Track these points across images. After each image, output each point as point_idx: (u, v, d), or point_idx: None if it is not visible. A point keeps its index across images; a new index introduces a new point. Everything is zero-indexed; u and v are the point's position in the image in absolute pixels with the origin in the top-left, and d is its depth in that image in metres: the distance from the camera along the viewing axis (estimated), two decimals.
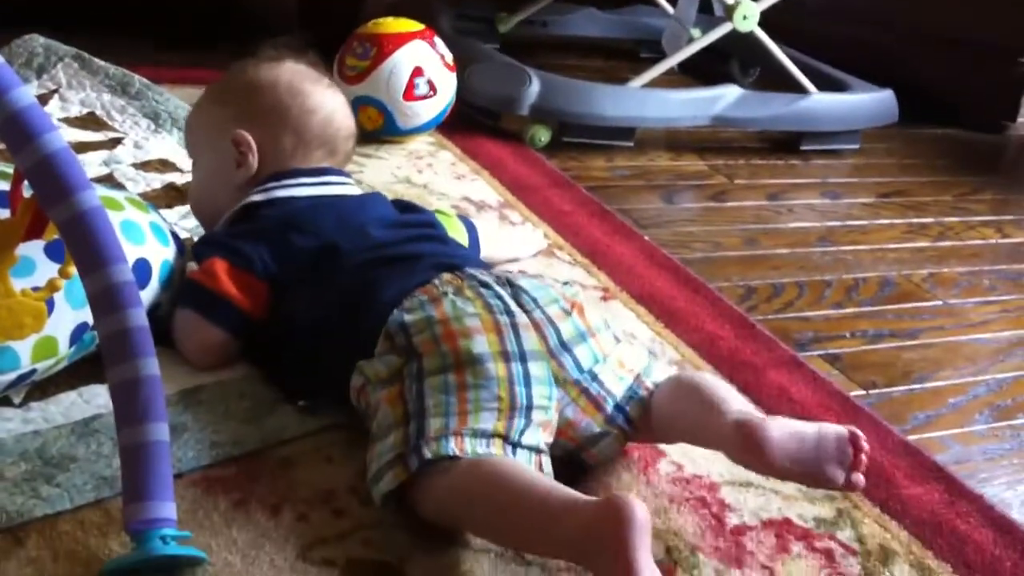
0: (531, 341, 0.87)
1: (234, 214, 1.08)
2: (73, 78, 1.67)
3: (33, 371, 0.89)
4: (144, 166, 1.44)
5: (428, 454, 0.79)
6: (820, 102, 2.01)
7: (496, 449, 0.81)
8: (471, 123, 1.85)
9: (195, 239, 1.15)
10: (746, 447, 0.79)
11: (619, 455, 0.93)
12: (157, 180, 1.40)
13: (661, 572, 0.70)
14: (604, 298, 1.28)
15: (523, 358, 0.86)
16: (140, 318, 0.77)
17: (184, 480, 0.84)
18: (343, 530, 0.82)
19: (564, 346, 0.89)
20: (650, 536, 0.70)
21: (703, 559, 0.84)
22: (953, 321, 1.39)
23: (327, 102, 1.16)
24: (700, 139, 2.02)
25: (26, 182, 0.80)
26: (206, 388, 0.96)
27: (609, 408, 0.89)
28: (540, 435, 0.84)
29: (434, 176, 1.60)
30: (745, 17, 1.96)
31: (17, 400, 0.91)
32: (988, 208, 1.87)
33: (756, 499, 0.91)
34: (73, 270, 0.80)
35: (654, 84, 1.93)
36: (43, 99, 1.60)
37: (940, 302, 1.45)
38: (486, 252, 1.22)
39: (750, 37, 2.00)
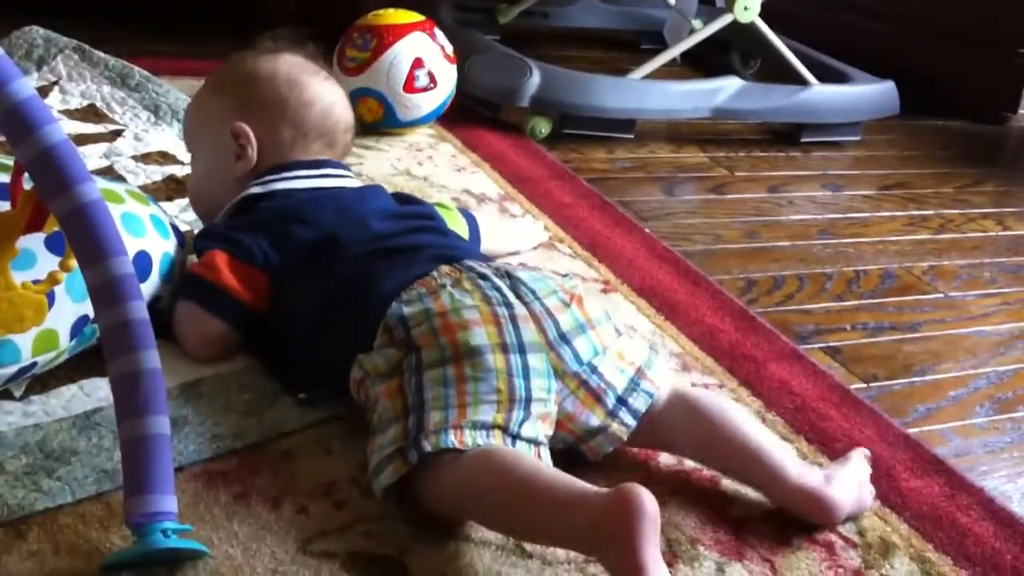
0: (530, 333, 0.87)
1: (233, 207, 1.08)
2: (73, 70, 1.67)
3: (34, 364, 0.89)
4: (144, 158, 1.44)
5: (428, 447, 0.79)
6: (821, 94, 2.01)
7: (496, 440, 0.81)
8: (471, 115, 1.84)
9: (195, 232, 1.15)
10: (819, 512, 0.88)
11: (618, 447, 0.92)
12: (157, 172, 1.40)
13: None
14: (604, 291, 1.27)
15: (522, 350, 0.86)
16: (141, 311, 0.77)
17: (185, 473, 0.84)
18: (344, 523, 0.82)
19: (563, 338, 0.89)
20: (659, 528, 0.71)
21: (704, 551, 0.84)
22: (954, 314, 1.39)
23: (325, 94, 1.16)
24: (701, 131, 2.02)
25: (26, 174, 0.80)
26: (206, 381, 0.96)
27: (610, 401, 0.89)
28: (539, 427, 0.84)
29: (434, 168, 1.60)
30: (746, 8, 1.95)
31: (18, 393, 0.91)
32: (989, 200, 1.87)
33: (756, 492, 0.91)
34: (74, 263, 0.80)
35: (655, 76, 1.93)
36: (43, 91, 1.59)
37: (941, 295, 1.45)
38: (486, 245, 1.21)
39: (751, 28, 1.99)
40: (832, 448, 1.00)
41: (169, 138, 1.51)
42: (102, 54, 1.70)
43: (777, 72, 2.06)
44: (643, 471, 0.93)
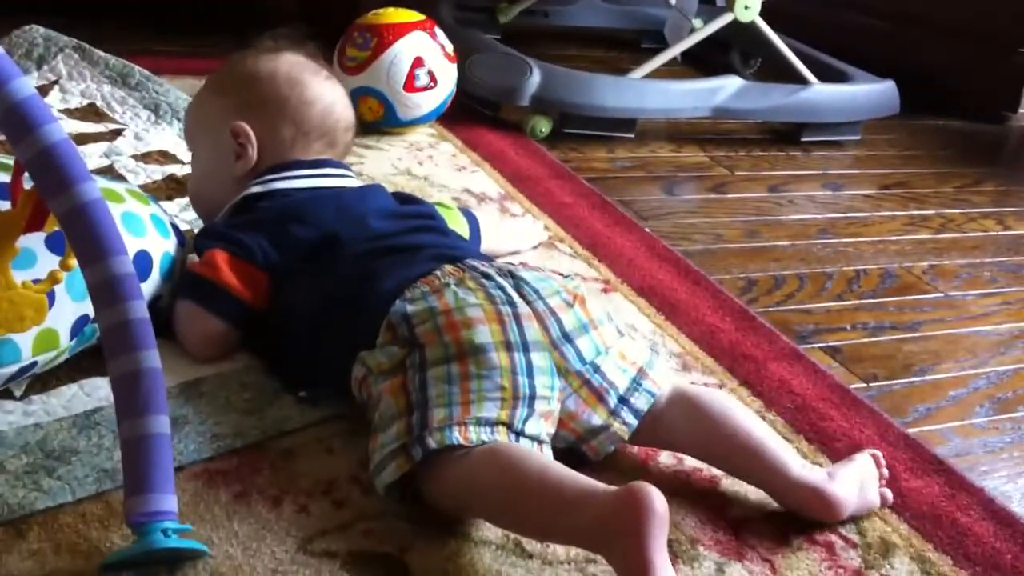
0: (533, 331, 0.87)
1: (234, 206, 1.08)
2: (73, 69, 1.67)
3: (34, 364, 0.89)
4: (144, 157, 1.44)
5: (433, 444, 0.79)
6: (821, 93, 2.01)
7: (500, 437, 0.81)
8: (472, 114, 1.84)
9: (196, 231, 1.15)
10: (821, 509, 0.87)
11: (619, 448, 0.93)
12: (158, 172, 1.40)
13: None
14: (605, 290, 1.27)
15: (525, 348, 0.86)
16: (141, 310, 0.77)
17: (185, 472, 0.84)
18: (344, 521, 0.82)
19: (566, 337, 0.89)
20: (667, 527, 0.71)
21: (704, 552, 0.84)
22: (954, 313, 1.39)
23: (326, 93, 1.15)
24: (701, 130, 2.02)
25: (26, 174, 0.80)
26: (207, 380, 0.96)
27: (612, 401, 0.89)
28: (542, 425, 0.85)
29: (435, 168, 1.60)
30: (746, 7, 1.95)
31: (18, 393, 0.91)
32: (989, 200, 1.87)
33: (756, 492, 0.91)
34: (74, 262, 0.80)
35: (655, 75, 1.93)
36: (43, 90, 1.59)
37: (941, 294, 1.45)
38: (487, 244, 1.22)
39: (751, 27, 1.99)
40: (832, 448, 1.00)
41: (169, 137, 1.51)
42: (102, 53, 1.70)
43: (777, 71, 2.06)
44: (643, 471, 0.93)
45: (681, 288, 1.30)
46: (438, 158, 1.64)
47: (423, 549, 0.80)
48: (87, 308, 0.89)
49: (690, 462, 0.94)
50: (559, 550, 0.81)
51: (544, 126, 1.83)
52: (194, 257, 1.05)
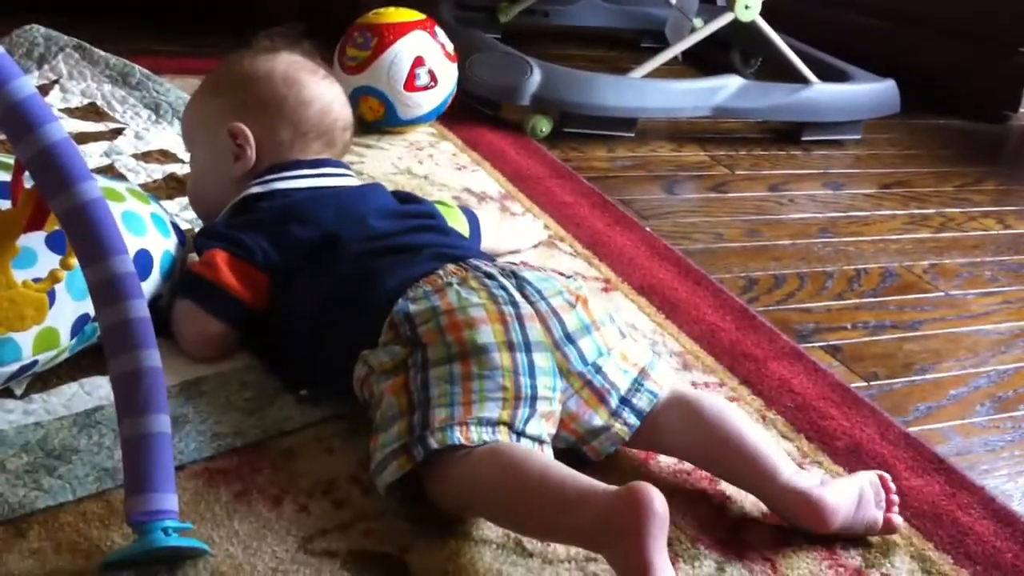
0: (535, 332, 0.87)
1: (234, 206, 1.08)
2: (74, 68, 1.67)
3: (34, 362, 0.89)
4: (145, 157, 1.44)
5: (434, 444, 0.79)
6: (822, 92, 2.01)
7: (502, 437, 0.81)
8: (472, 113, 1.84)
9: (196, 230, 1.15)
10: (809, 516, 0.85)
11: (620, 448, 0.92)
12: (158, 171, 1.40)
13: None
14: (605, 289, 1.27)
15: (527, 348, 0.86)
16: (141, 309, 0.77)
17: (186, 471, 0.84)
18: (344, 521, 0.82)
19: (568, 338, 0.89)
20: (667, 527, 0.71)
21: (704, 550, 0.84)
22: (954, 312, 1.39)
23: (323, 92, 1.15)
24: (701, 129, 2.02)
25: (27, 173, 0.80)
26: (207, 379, 0.96)
27: (613, 402, 0.89)
28: (543, 425, 0.85)
29: (435, 167, 1.60)
30: (747, 7, 1.95)
31: (19, 392, 0.91)
32: (990, 199, 1.87)
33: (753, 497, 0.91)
34: (74, 261, 0.80)
35: (655, 74, 1.93)
36: (44, 89, 1.59)
37: (941, 293, 1.45)
38: (487, 243, 1.21)
39: (752, 27, 1.99)
40: (832, 447, 1.00)
41: (170, 136, 1.51)
42: (103, 53, 1.70)
43: (778, 71, 2.06)
44: (644, 470, 0.93)
45: (681, 287, 1.30)
46: (438, 157, 1.64)
47: (423, 549, 0.80)
48: (88, 307, 0.89)
49: None
50: (559, 549, 0.81)
51: (544, 125, 1.83)
52: (194, 257, 1.05)
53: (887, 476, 0.90)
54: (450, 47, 1.71)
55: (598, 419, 0.89)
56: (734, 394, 1.07)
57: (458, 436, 0.80)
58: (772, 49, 2.03)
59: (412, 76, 1.64)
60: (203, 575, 0.75)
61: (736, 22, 1.97)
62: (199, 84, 1.20)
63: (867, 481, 0.88)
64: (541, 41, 2.38)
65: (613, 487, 0.73)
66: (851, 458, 0.99)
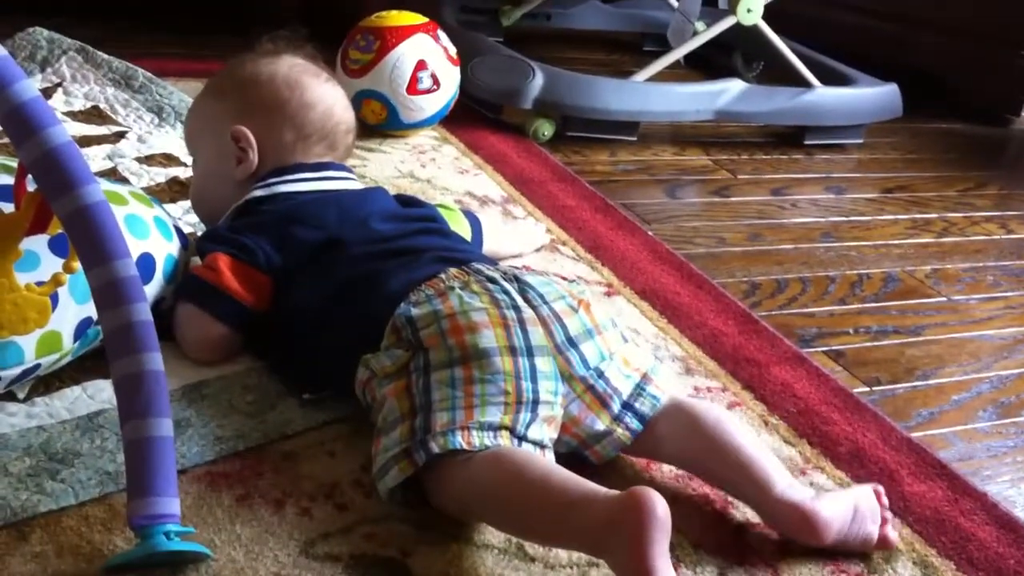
0: (537, 336, 0.87)
1: (236, 209, 1.08)
2: (77, 72, 1.67)
3: (37, 366, 0.89)
4: (148, 160, 1.44)
5: (436, 448, 0.79)
6: (824, 96, 2.00)
7: (504, 441, 0.81)
8: (474, 117, 1.84)
9: (199, 233, 1.15)
10: (802, 529, 0.84)
11: (623, 452, 0.92)
12: (161, 174, 1.40)
13: None
14: (607, 294, 1.27)
15: (529, 353, 0.86)
16: (144, 313, 0.77)
17: (188, 475, 0.84)
18: (347, 524, 0.82)
19: (571, 342, 0.89)
20: (669, 531, 0.71)
21: (707, 556, 0.84)
22: (957, 317, 1.39)
23: (326, 96, 1.15)
24: (704, 133, 2.02)
25: (30, 176, 0.80)
26: (209, 383, 0.96)
27: (616, 406, 0.89)
28: (545, 430, 0.85)
29: (438, 170, 1.60)
30: (749, 10, 1.95)
31: (21, 395, 0.91)
32: (992, 203, 1.87)
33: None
34: (77, 264, 0.80)
35: (658, 78, 1.93)
36: (47, 93, 1.60)
37: (944, 298, 1.45)
38: (489, 247, 1.21)
39: (754, 30, 1.99)
40: (835, 452, 1.00)
41: (173, 140, 1.51)
42: (106, 55, 1.70)
43: (780, 74, 2.06)
44: (646, 475, 0.93)
45: (684, 291, 1.30)
46: (441, 161, 1.64)
47: (425, 553, 0.80)
48: (90, 310, 0.89)
49: None
50: (561, 554, 0.81)
51: (547, 129, 1.83)
52: (197, 260, 1.05)
53: (881, 490, 0.89)
54: (453, 50, 1.71)
55: (600, 424, 0.89)
56: (736, 399, 1.07)
57: (460, 440, 0.80)
58: (774, 53, 2.03)
59: (414, 79, 1.64)
60: None
61: (738, 25, 1.97)
62: (202, 87, 1.20)
63: (863, 495, 0.87)
64: (543, 44, 2.39)
65: (615, 492, 0.73)
66: (853, 463, 0.99)
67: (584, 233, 1.44)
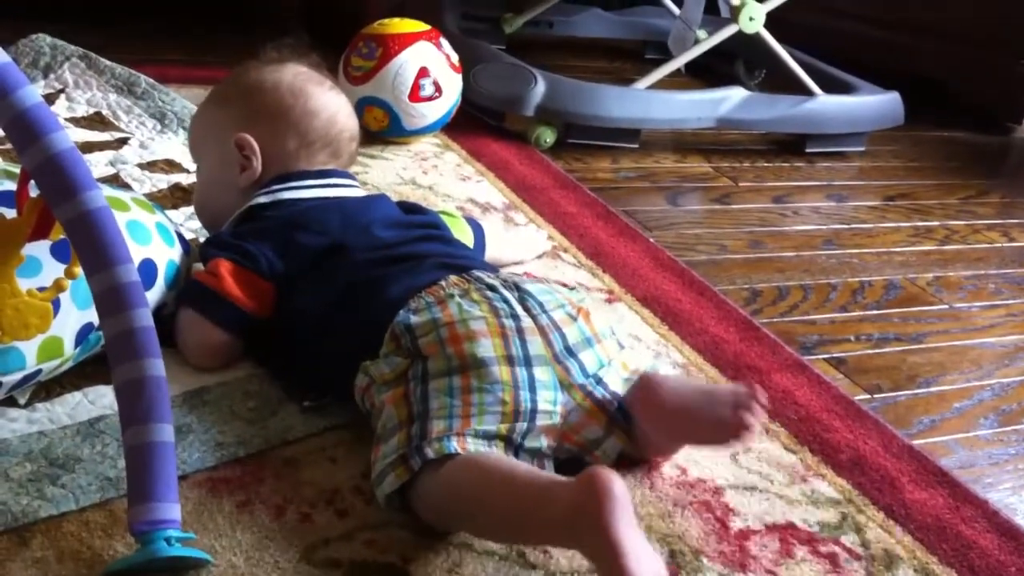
0: (536, 346, 0.87)
1: (239, 216, 1.08)
2: (80, 78, 1.67)
3: (38, 371, 0.89)
4: (150, 166, 1.44)
5: (431, 454, 0.79)
6: (826, 104, 2.01)
7: (498, 450, 0.81)
8: (477, 124, 1.85)
9: (201, 240, 1.15)
10: (645, 398, 0.85)
11: (622, 460, 0.92)
12: (163, 180, 1.40)
13: None
14: (609, 300, 1.27)
15: (528, 363, 0.86)
16: (146, 318, 0.77)
17: (189, 481, 0.84)
18: (347, 531, 0.82)
19: (569, 351, 0.89)
20: (630, 507, 0.70)
21: (707, 563, 0.84)
22: (958, 325, 1.39)
23: (330, 103, 1.16)
24: (705, 141, 2.02)
25: (32, 181, 0.80)
26: (211, 389, 0.96)
27: (613, 410, 0.89)
28: (543, 439, 0.85)
29: (439, 177, 1.60)
30: (751, 18, 1.95)
31: (22, 401, 0.91)
32: (994, 211, 1.87)
33: (760, 503, 0.91)
34: (79, 270, 0.80)
35: (659, 85, 1.93)
36: (50, 99, 1.60)
37: (946, 306, 1.45)
38: (491, 253, 1.22)
39: (756, 38, 2.00)
40: (836, 459, 1.00)
41: (175, 146, 1.51)
42: (108, 62, 1.70)
43: (782, 82, 2.06)
44: (646, 482, 0.93)
45: (685, 299, 1.30)
46: (443, 168, 1.64)
47: (426, 559, 0.80)
48: (92, 316, 0.89)
49: (694, 472, 0.94)
50: (562, 560, 0.81)
51: (548, 136, 1.84)
52: (199, 266, 1.05)
53: (758, 388, 0.82)
54: (455, 58, 1.71)
55: (599, 429, 0.89)
56: None
57: (455, 445, 0.79)
58: (776, 61, 2.04)
59: (417, 87, 1.65)
60: None
61: (740, 33, 1.97)
62: (206, 94, 1.20)
63: (730, 387, 0.88)
64: (545, 52, 2.39)
65: (573, 478, 0.73)
66: (854, 471, 0.99)
67: (585, 240, 1.44)
